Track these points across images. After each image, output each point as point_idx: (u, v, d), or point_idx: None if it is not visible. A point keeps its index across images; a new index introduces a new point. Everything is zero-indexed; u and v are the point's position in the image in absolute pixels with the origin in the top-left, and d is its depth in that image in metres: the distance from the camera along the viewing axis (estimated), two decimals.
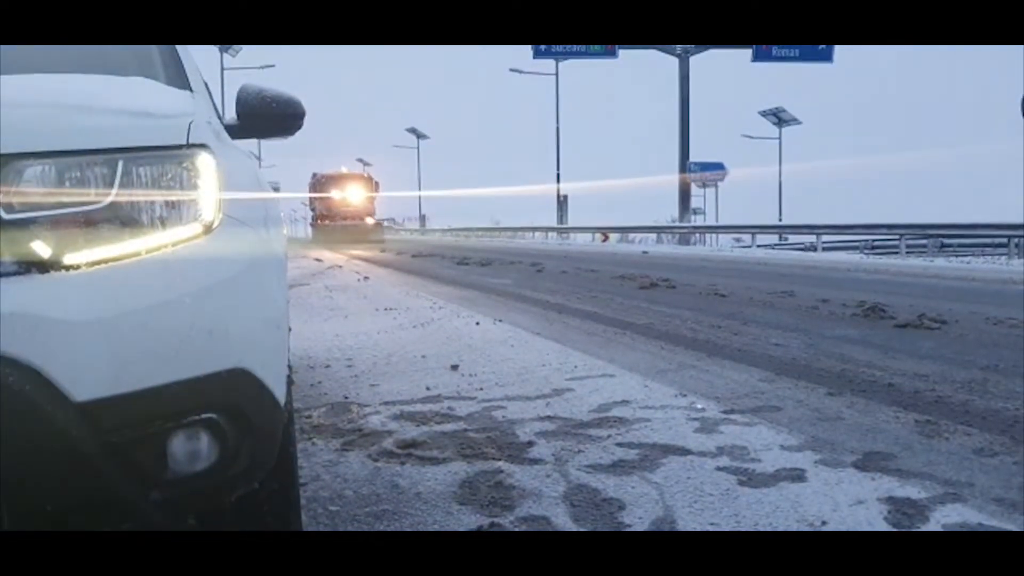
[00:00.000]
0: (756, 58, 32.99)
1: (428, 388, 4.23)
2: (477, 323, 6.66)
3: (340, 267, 15.70)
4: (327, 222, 36.40)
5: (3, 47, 2.09)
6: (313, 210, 40.93)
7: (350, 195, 36.75)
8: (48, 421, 1.39)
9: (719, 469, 2.83)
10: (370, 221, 36.44)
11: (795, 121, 37.87)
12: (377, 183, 38.70)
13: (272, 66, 35.13)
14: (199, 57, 2.64)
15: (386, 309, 7.88)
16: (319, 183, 37.81)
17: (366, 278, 12.28)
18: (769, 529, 2.31)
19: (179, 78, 2.30)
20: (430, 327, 6.57)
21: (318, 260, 18.34)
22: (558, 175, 37.87)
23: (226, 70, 36.65)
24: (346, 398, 4.05)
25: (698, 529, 2.32)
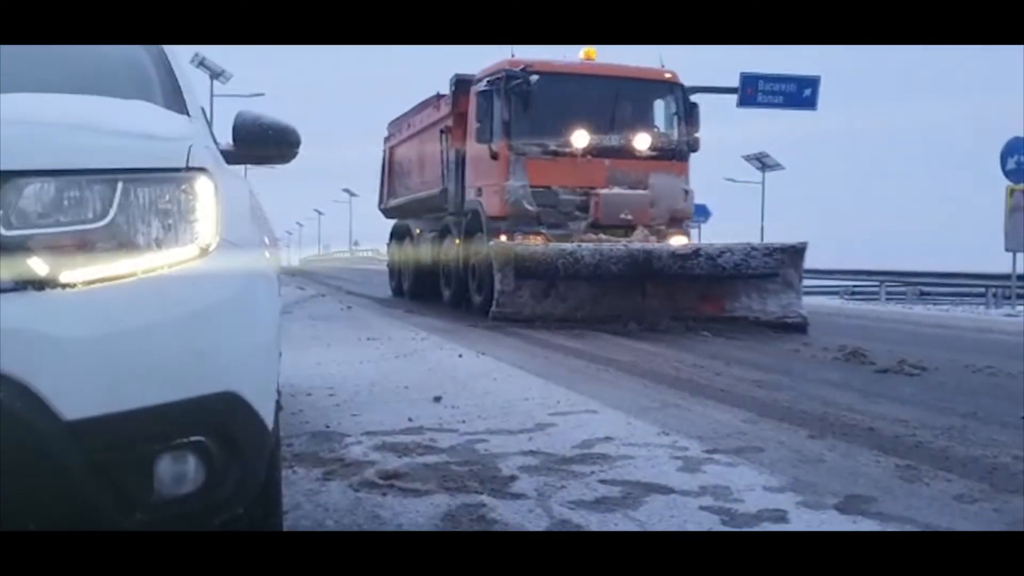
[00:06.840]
0: (741, 103, 33.27)
1: (410, 419, 4.21)
2: (460, 355, 6.65)
3: (323, 296, 15.64)
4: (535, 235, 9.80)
5: (5, 67, 2.10)
6: (397, 203, 14.59)
7: (638, 142, 10.15)
8: (36, 439, 1.38)
9: (702, 508, 2.83)
10: (682, 241, 10.08)
11: (778, 166, 38.26)
12: (694, 105, 10.88)
13: (262, 95, 34.12)
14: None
15: (368, 339, 7.85)
16: (503, 97, 9.91)
17: (349, 307, 12.25)
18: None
19: (177, 103, 2.32)
20: (412, 358, 6.55)
21: (301, 289, 18.25)
22: None
23: (216, 97, 35.73)
24: (327, 427, 4.02)
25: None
